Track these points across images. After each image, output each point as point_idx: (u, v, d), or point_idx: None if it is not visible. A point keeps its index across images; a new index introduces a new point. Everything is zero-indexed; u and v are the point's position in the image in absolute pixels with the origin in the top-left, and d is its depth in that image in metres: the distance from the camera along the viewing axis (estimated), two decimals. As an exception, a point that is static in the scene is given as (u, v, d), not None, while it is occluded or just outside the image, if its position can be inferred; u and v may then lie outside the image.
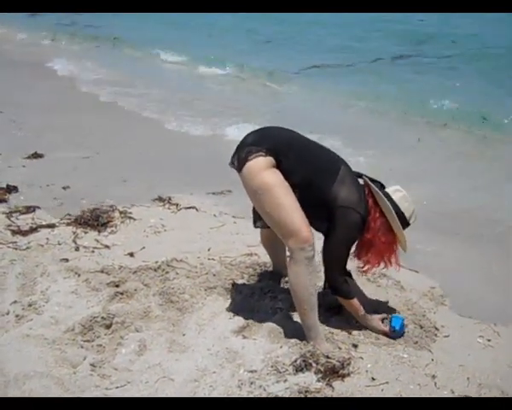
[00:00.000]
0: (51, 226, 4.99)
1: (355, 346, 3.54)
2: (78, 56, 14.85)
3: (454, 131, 8.77)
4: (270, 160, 3.40)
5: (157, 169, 6.88)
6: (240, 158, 3.47)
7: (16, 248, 4.57)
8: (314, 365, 3.27)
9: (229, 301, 3.95)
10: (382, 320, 3.68)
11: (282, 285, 4.11)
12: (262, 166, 3.39)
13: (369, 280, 4.32)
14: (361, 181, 3.63)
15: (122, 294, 3.97)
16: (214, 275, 4.23)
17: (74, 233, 4.91)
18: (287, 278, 4.10)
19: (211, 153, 7.50)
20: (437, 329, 3.78)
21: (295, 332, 3.58)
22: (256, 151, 3.41)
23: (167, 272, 4.26)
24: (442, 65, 13.37)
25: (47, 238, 4.77)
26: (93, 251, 4.65)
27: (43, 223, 5.06)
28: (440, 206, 5.94)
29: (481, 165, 7.36)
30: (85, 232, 4.96)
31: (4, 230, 4.88)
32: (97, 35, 17.93)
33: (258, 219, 3.79)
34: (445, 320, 3.89)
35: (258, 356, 3.39)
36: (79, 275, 4.21)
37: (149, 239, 4.95)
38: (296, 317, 3.69)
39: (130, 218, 5.29)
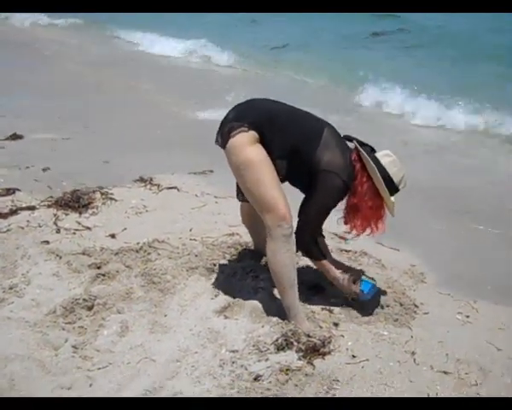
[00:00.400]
0: (31, 208, 4.95)
1: (336, 324, 3.56)
2: (63, 37, 14.74)
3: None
4: (252, 134, 3.40)
5: (138, 149, 6.84)
6: (223, 134, 3.48)
7: (-4, 231, 4.54)
8: (295, 343, 3.29)
9: (211, 281, 3.96)
10: (354, 282, 3.69)
11: (263, 265, 4.11)
12: (245, 142, 3.39)
13: (351, 259, 4.36)
14: (351, 145, 3.62)
15: (104, 275, 3.97)
16: (196, 256, 4.23)
17: (55, 215, 4.88)
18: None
19: (191, 133, 7.48)
20: (416, 306, 3.81)
21: (277, 312, 3.60)
22: (238, 127, 3.41)
23: (149, 253, 4.25)
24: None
25: (27, 221, 4.74)
26: (74, 233, 4.63)
27: (24, 205, 5.02)
28: (420, 183, 5.98)
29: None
30: (66, 214, 4.93)
31: (-17, 213, 4.85)
32: (84, 16, 17.76)
33: (240, 191, 3.78)
34: (424, 298, 3.93)
35: (240, 336, 3.40)
36: (60, 257, 4.20)
37: (131, 220, 4.94)
38: (278, 296, 3.71)
39: (111, 199, 5.27)
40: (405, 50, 12.79)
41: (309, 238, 3.56)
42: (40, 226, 4.67)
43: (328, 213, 3.55)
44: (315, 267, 4.07)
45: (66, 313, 3.56)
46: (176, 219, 4.95)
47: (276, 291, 3.74)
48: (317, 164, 3.43)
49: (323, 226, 3.68)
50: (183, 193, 5.56)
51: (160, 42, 14.00)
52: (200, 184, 5.80)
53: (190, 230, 4.75)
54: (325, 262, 3.65)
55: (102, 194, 5.32)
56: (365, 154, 3.50)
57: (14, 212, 4.88)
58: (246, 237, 4.56)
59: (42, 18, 17.12)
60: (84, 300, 3.65)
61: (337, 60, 11.78)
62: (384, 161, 3.51)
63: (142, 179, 5.77)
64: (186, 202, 5.36)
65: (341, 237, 4.70)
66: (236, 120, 3.45)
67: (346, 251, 4.48)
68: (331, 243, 4.61)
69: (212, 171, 6.08)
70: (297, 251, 3.60)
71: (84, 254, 4.26)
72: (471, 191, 5.87)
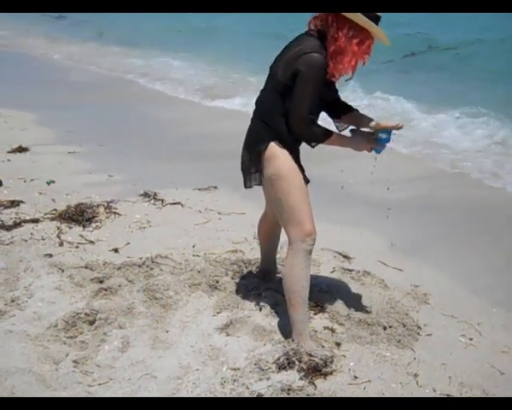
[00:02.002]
0: (35, 221, 4.96)
1: (338, 344, 3.54)
2: (71, 49, 14.93)
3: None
4: (272, 146, 3.41)
5: (143, 164, 6.87)
6: (249, 176, 3.53)
7: (-1, 243, 4.54)
8: (297, 363, 3.27)
9: (214, 298, 3.94)
10: (369, 139, 3.54)
11: (266, 283, 4.10)
12: (272, 154, 3.41)
13: (353, 278, 4.33)
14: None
15: (106, 290, 3.96)
16: (199, 272, 4.22)
17: (58, 228, 4.88)
18: (271, 275, 4.12)
19: (197, 149, 7.51)
20: (420, 327, 3.79)
21: (279, 330, 3.59)
22: (259, 155, 3.44)
23: (152, 269, 4.24)
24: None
25: (31, 233, 4.74)
26: (77, 246, 4.62)
27: (27, 218, 5.03)
28: (427, 203, 5.99)
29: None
30: (70, 227, 4.93)
31: (-13, 224, 4.85)
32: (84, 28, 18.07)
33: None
34: (427, 319, 3.91)
35: (242, 354, 3.39)
36: (63, 270, 4.19)
37: (134, 235, 4.94)
38: (280, 314, 3.70)
39: (115, 213, 5.27)
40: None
41: (309, 125, 3.38)
42: (43, 239, 4.67)
43: (317, 90, 3.34)
44: (317, 287, 4.06)
45: (67, 328, 3.55)
46: (179, 235, 4.95)
47: (278, 309, 3.74)
48: (289, 74, 3.32)
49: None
50: (187, 209, 5.56)
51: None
52: (204, 200, 5.80)
53: (193, 246, 4.75)
54: (333, 138, 3.46)
55: (106, 208, 5.33)
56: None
57: (17, 224, 4.89)
58: (249, 254, 4.56)
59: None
60: (86, 314, 3.64)
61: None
62: None
63: (146, 194, 5.77)
64: (190, 217, 5.35)
65: (345, 256, 4.70)
66: (253, 152, 3.48)
67: (348, 270, 4.45)
68: (334, 262, 4.61)
69: (216, 187, 6.09)
70: (306, 141, 3.49)
71: (86, 267, 4.26)
72: (478, 211, 5.86)
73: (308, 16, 3.43)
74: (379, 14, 3.33)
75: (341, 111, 3.70)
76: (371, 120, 3.60)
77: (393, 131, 3.52)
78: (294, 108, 3.34)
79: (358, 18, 3.27)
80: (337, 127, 3.72)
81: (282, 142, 3.42)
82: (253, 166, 3.50)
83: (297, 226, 3.39)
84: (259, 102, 3.57)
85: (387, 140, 3.51)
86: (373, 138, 3.52)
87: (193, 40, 16.66)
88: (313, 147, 3.54)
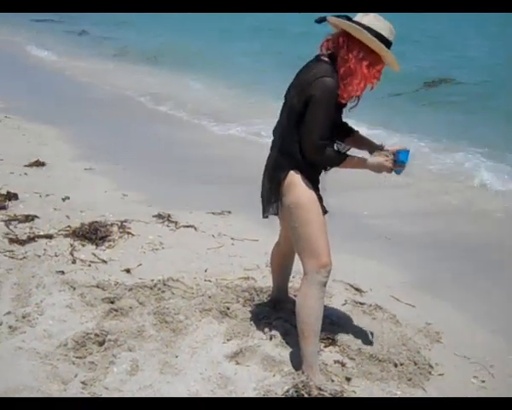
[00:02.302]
0: (49, 237, 4.98)
1: (348, 379, 3.50)
2: (89, 65, 15.12)
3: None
4: (291, 174, 3.40)
5: (158, 184, 6.89)
6: (271, 204, 3.52)
7: (13, 257, 4.56)
8: (306, 396, 3.23)
9: (224, 324, 3.92)
10: (386, 160, 3.50)
11: (277, 312, 4.07)
12: (293, 182, 3.40)
13: (365, 312, 4.29)
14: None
15: (117, 311, 3.94)
16: (210, 297, 4.20)
17: (72, 245, 4.88)
18: (283, 305, 4.09)
19: (212, 172, 7.52)
20: (431, 366, 3.74)
21: (289, 361, 3.56)
22: (279, 182, 3.43)
23: (163, 292, 4.23)
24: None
25: (44, 249, 4.75)
26: (90, 265, 4.62)
27: (41, 233, 5.04)
28: (437, 236, 5.95)
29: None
30: (83, 245, 4.94)
31: (2, 238, 4.87)
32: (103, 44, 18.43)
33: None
34: (439, 358, 3.86)
35: (251, 384, 3.36)
36: (75, 288, 4.19)
37: (147, 256, 4.93)
38: (290, 345, 3.67)
39: (128, 233, 5.27)
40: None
41: (321, 150, 3.34)
42: (56, 256, 4.68)
43: (330, 114, 3.33)
44: (328, 319, 4.02)
45: (77, 347, 3.54)
46: (191, 259, 4.94)
47: (288, 339, 3.71)
48: (302, 101, 3.32)
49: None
50: (200, 232, 5.55)
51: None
52: (218, 224, 5.79)
53: (205, 270, 4.73)
54: (349, 160, 3.44)
55: (120, 227, 5.33)
56: (342, 21, 3.30)
57: (31, 239, 4.91)
58: (261, 282, 4.53)
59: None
60: (96, 335, 3.62)
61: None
62: (365, 20, 3.31)
63: (160, 215, 5.77)
64: (202, 241, 5.34)
65: (357, 289, 4.67)
66: (273, 180, 3.48)
67: (360, 303, 4.42)
68: (346, 294, 4.58)
69: (230, 212, 6.07)
70: (322, 166, 3.49)
71: (98, 287, 4.26)
72: (495, 250, 5.80)
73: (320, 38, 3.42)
74: (390, 38, 3.34)
75: (345, 132, 3.69)
76: (374, 143, 3.63)
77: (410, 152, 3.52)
78: (307, 135, 3.34)
79: (370, 40, 3.27)
80: (338, 149, 3.61)
81: (301, 170, 3.41)
82: (273, 195, 3.49)
83: (313, 257, 3.37)
84: (276, 132, 3.57)
85: (406, 160, 3.50)
86: (391, 159, 3.50)
87: (211, 62, 16.75)
88: (326, 171, 3.55)
